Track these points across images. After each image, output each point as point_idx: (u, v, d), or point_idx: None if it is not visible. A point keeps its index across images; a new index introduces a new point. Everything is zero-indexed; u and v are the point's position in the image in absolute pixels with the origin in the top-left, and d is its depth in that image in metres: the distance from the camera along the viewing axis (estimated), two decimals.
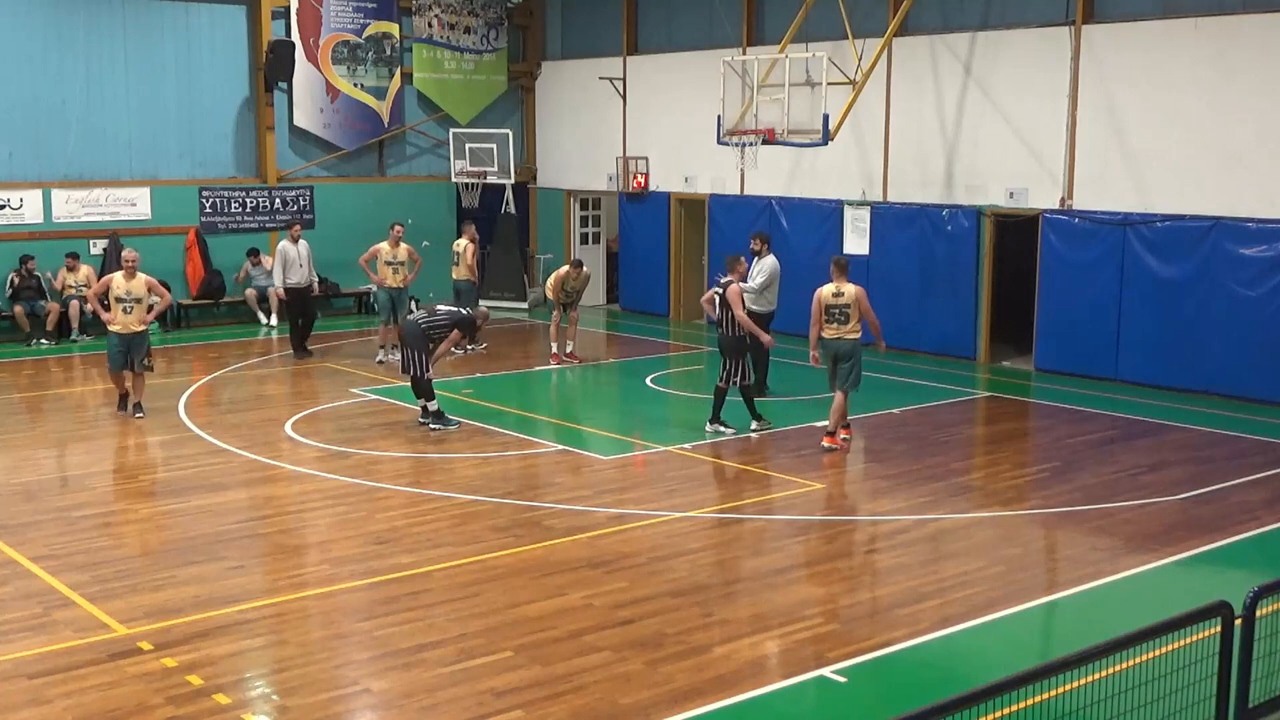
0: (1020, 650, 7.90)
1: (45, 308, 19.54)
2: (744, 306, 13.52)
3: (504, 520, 10.48)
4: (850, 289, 12.85)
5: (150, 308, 14.25)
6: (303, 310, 18.30)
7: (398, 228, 17.85)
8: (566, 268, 17.93)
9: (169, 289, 15.46)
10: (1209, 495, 11.28)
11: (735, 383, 13.41)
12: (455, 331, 13.97)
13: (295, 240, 18.21)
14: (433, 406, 13.76)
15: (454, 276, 18.55)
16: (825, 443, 12.91)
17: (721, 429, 13.50)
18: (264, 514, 10.85)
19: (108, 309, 14.12)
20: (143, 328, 13.98)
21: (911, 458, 12.73)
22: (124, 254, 14.27)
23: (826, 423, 13.06)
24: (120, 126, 20.67)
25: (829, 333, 12.89)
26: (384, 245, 17.61)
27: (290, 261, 18.05)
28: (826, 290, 12.89)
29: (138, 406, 14.23)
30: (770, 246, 15.52)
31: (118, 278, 14.02)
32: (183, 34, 21.09)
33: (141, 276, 14.01)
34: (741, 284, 13.67)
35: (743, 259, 13.98)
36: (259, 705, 7.11)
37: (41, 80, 19.93)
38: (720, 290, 13.45)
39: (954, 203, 18.19)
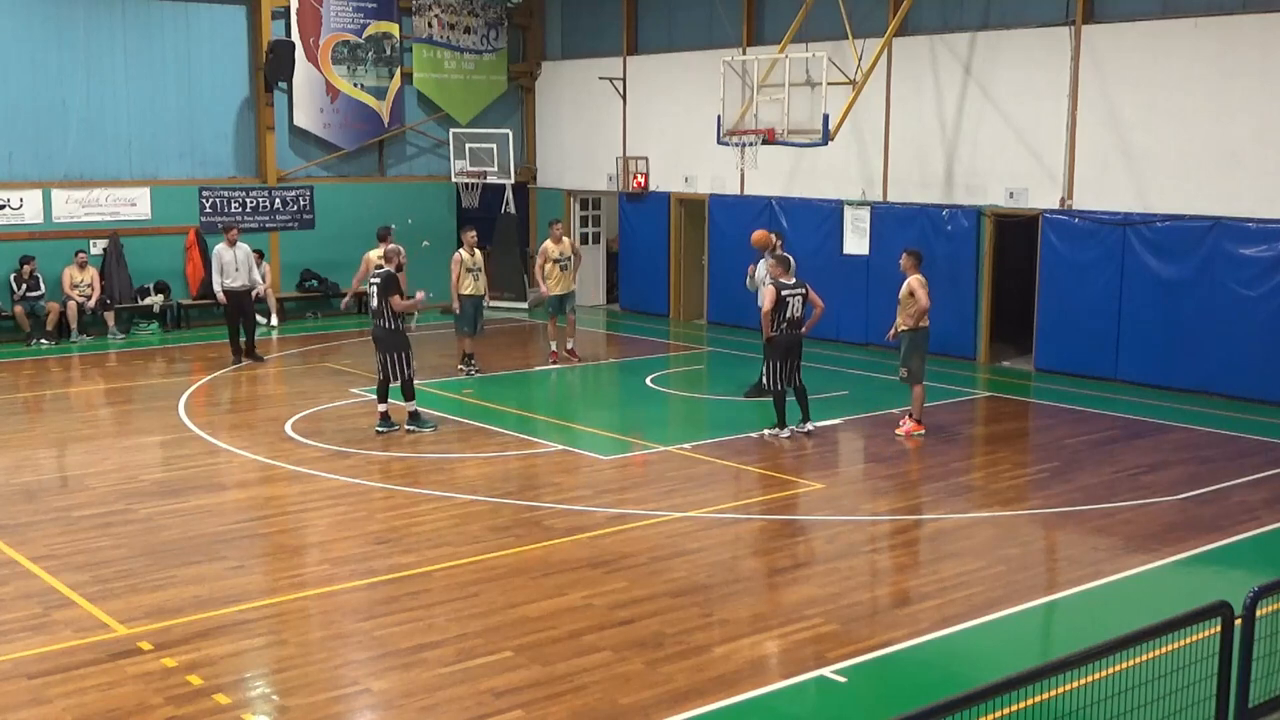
0: (1020, 650, 7.89)
1: (45, 308, 19.55)
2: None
3: (504, 520, 10.48)
4: None
5: None
6: (242, 315, 17.95)
7: (557, 225, 17.94)
8: (546, 241, 17.68)
9: None
10: (1209, 495, 11.27)
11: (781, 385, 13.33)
12: (395, 296, 13.31)
13: (232, 244, 17.88)
14: (410, 407, 13.64)
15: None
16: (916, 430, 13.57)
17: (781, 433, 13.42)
18: (264, 514, 10.85)
19: None
20: None
21: (912, 458, 12.74)
22: None
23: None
24: (120, 126, 20.67)
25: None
26: (549, 244, 17.54)
27: (226, 265, 17.73)
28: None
29: None
30: (782, 245, 15.48)
31: None
32: (183, 34, 21.09)
33: None
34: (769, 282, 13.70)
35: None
36: (259, 705, 7.11)
37: (41, 80, 19.92)
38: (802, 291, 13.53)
39: (954, 203, 18.19)
